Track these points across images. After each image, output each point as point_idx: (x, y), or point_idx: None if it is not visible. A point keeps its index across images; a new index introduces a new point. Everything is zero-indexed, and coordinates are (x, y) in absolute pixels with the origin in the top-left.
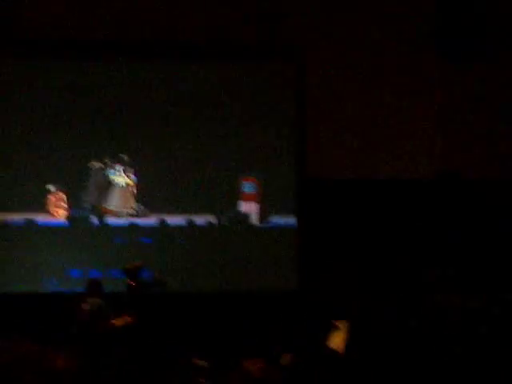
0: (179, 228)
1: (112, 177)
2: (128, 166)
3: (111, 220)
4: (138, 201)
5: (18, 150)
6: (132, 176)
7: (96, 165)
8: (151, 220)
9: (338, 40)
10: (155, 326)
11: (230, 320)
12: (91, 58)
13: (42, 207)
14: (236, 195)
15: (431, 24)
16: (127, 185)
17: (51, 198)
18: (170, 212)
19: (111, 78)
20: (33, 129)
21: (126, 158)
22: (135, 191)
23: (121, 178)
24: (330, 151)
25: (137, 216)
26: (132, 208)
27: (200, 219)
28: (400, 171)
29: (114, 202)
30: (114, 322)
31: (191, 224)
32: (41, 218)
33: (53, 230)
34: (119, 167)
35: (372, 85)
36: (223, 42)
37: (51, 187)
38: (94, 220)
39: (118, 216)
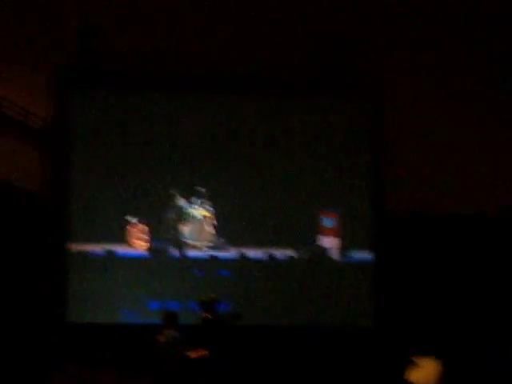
0: (259, 261)
1: (190, 210)
2: (206, 198)
3: (191, 252)
4: (217, 234)
5: (99, 181)
6: (209, 208)
7: (176, 198)
8: (231, 253)
9: (415, 79)
10: (230, 358)
11: (306, 354)
12: (173, 90)
13: (123, 238)
14: (316, 230)
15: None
16: (204, 217)
17: (132, 230)
18: (250, 246)
19: (191, 112)
20: (114, 161)
21: (204, 190)
22: (214, 223)
23: (198, 210)
24: (406, 187)
25: (216, 249)
26: (209, 241)
27: (280, 253)
28: (478, 207)
29: (191, 234)
30: (189, 354)
31: (271, 258)
32: (121, 250)
33: (132, 261)
34: (196, 200)
35: (447, 123)
36: (300, 79)
37: (132, 218)
38: (174, 252)
39: (198, 249)
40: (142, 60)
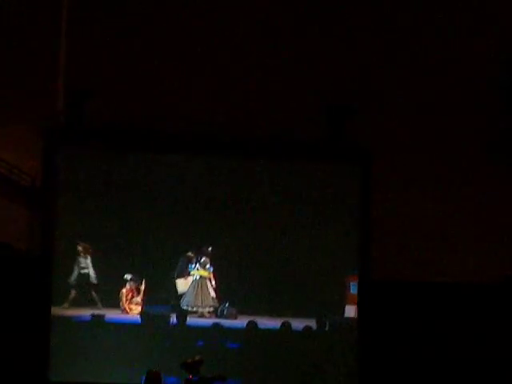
0: (271, 332)
1: (190, 270)
2: (209, 258)
3: (193, 320)
4: (222, 299)
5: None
6: (208, 266)
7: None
8: (239, 322)
9: (404, 143)
10: None
11: None
12: (162, 151)
13: (114, 302)
14: (342, 297)
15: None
16: (201, 277)
17: (124, 291)
18: (262, 314)
19: (179, 173)
20: (103, 221)
21: (208, 250)
22: (213, 285)
23: (198, 271)
24: (394, 254)
25: (222, 316)
26: (209, 306)
27: (297, 323)
28: (465, 275)
29: (189, 298)
30: None
31: (286, 328)
32: (111, 315)
33: (123, 328)
34: (198, 260)
35: (437, 189)
36: (291, 142)
37: (128, 277)
38: (172, 318)
39: (195, 314)
40: (131, 120)
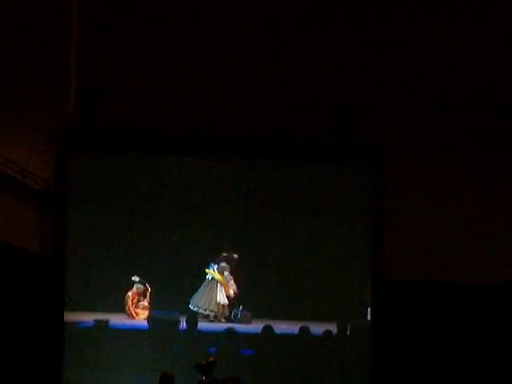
0: (289, 337)
1: (207, 271)
2: (226, 262)
3: (204, 324)
4: (237, 303)
5: (99, 245)
6: (226, 273)
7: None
8: (254, 327)
9: (415, 143)
10: None
11: None
12: (175, 153)
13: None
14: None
15: None
16: (213, 279)
17: (130, 295)
18: (279, 318)
19: (197, 174)
20: (115, 224)
21: (232, 256)
22: (223, 291)
23: (214, 272)
24: (406, 255)
25: (237, 321)
26: (211, 310)
27: (316, 327)
28: (480, 275)
29: (200, 300)
30: None
31: (305, 333)
32: (118, 320)
33: (129, 334)
34: (215, 262)
35: (449, 189)
36: (301, 143)
37: (136, 279)
38: (183, 323)
39: (206, 318)
40: (144, 122)
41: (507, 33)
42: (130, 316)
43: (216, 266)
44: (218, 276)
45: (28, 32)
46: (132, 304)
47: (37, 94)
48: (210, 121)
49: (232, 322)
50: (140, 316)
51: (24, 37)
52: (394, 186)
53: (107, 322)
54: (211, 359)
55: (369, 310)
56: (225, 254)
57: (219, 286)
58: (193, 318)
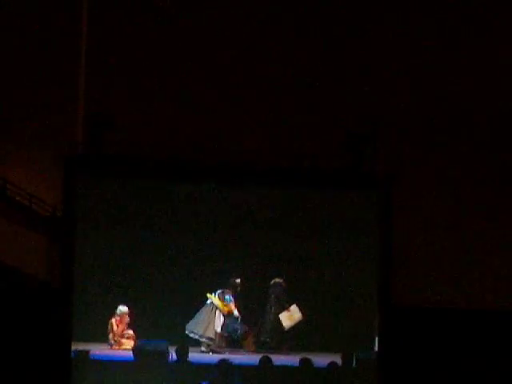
0: (289, 370)
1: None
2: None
3: (196, 355)
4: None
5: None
6: (227, 297)
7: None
8: (251, 358)
9: (424, 170)
10: None
11: None
12: (182, 180)
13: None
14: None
15: None
16: (212, 304)
17: (114, 322)
18: (277, 348)
19: (202, 201)
20: (124, 250)
21: (235, 281)
22: (221, 318)
23: (213, 296)
24: (414, 280)
25: (236, 336)
26: (208, 338)
27: (319, 359)
28: (490, 301)
29: (192, 322)
30: None
31: (307, 365)
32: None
33: (112, 365)
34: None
35: (458, 215)
36: (311, 169)
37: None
38: (172, 354)
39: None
40: (151, 148)
41: None
42: (114, 346)
43: (219, 292)
44: (216, 301)
45: (37, 59)
46: (115, 333)
47: (45, 120)
48: (220, 148)
49: (231, 335)
50: (124, 346)
51: (33, 64)
52: (404, 212)
53: (87, 352)
54: None
55: (376, 340)
56: (230, 280)
57: (217, 313)
58: (183, 348)
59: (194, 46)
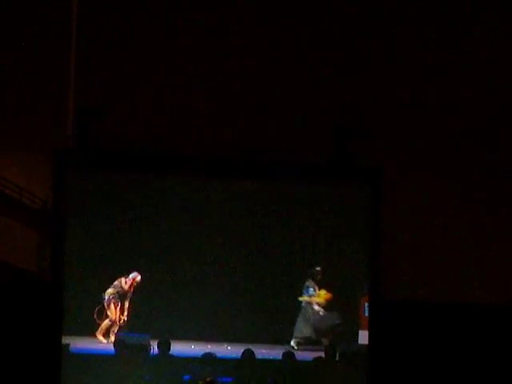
0: (272, 363)
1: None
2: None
3: (178, 349)
4: None
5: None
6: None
7: None
8: (233, 351)
9: (413, 163)
10: None
11: None
12: (172, 173)
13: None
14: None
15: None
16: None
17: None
18: (259, 341)
19: (192, 195)
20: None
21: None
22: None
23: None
24: (404, 274)
25: None
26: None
27: (301, 352)
28: (479, 295)
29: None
30: None
31: (289, 358)
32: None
33: (93, 359)
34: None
35: (448, 208)
36: (299, 163)
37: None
38: (154, 348)
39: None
40: (143, 142)
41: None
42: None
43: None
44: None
45: (26, 52)
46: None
47: (35, 113)
48: (209, 142)
49: None
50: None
51: (22, 57)
52: (393, 206)
53: (67, 346)
54: (208, 379)
55: (360, 333)
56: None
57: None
58: (165, 341)
59: (184, 39)
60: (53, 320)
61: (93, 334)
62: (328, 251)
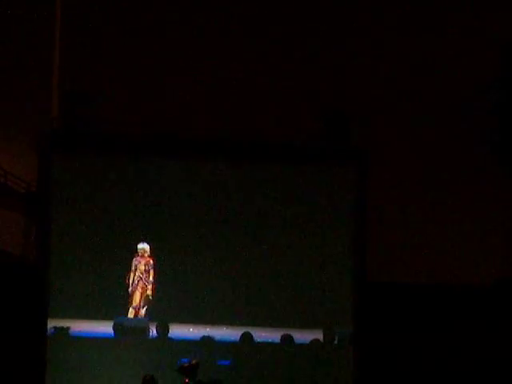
0: (270, 346)
1: None
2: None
3: (177, 332)
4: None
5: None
6: None
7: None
8: (231, 334)
9: (401, 146)
10: None
11: None
12: (158, 155)
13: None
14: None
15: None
16: None
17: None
18: (258, 324)
19: (176, 177)
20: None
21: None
22: None
23: None
24: (389, 256)
25: None
26: None
27: (301, 335)
28: (462, 276)
29: None
30: None
31: (287, 341)
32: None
33: (93, 342)
34: None
35: (433, 191)
36: (287, 145)
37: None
38: (153, 331)
39: None
40: (128, 124)
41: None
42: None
43: None
44: None
45: (11, 36)
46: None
47: (19, 96)
48: (198, 124)
49: None
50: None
51: (7, 40)
52: (379, 188)
53: (68, 329)
54: (194, 361)
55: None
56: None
57: None
58: (164, 324)
59: (170, 22)
60: (38, 302)
61: (92, 318)
62: (314, 233)
